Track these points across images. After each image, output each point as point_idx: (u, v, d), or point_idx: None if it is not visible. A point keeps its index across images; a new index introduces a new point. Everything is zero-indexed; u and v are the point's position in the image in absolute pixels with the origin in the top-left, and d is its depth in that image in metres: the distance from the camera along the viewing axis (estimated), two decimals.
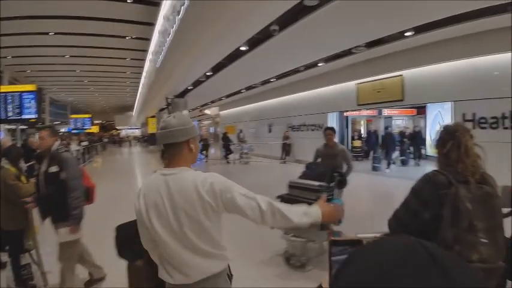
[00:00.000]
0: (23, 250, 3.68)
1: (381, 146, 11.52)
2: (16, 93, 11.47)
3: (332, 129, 4.68)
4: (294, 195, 3.94)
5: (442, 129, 1.69)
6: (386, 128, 12.24)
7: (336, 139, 4.70)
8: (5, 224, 3.44)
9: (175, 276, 1.42)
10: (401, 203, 1.64)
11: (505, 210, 2.21)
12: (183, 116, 1.52)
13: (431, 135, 11.74)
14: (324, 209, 1.50)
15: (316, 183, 3.89)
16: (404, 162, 11.85)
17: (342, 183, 4.20)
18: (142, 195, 1.44)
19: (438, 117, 10.67)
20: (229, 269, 1.57)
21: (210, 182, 1.39)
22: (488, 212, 1.46)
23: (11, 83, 17.43)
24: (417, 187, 1.59)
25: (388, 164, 10.99)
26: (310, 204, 1.51)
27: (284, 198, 3.75)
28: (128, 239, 2.51)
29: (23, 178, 3.51)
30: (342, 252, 0.78)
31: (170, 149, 1.46)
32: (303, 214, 1.44)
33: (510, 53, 6.71)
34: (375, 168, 10.92)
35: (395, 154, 11.76)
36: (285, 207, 1.43)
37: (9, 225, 3.41)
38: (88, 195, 3.25)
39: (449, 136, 1.60)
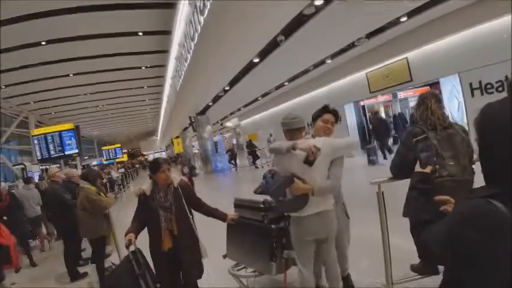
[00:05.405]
0: (105, 255, 4.49)
1: (373, 135, 10.39)
2: (56, 133, 12.96)
3: (334, 112, 2.65)
4: (241, 216, 2.92)
5: (418, 97, 2.41)
6: (375, 113, 10.95)
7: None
8: (89, 233, 4.19)
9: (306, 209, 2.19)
10: (395, 153, 2.37)
11: None
12: (298, 113, 2.35)
13: (451, 113, 9.88)
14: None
15: (263, 199, 2.77)
16: None
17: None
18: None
19: (454, 91, 9.97)
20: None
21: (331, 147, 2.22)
22: (451, 145, 2.17)
23: (37, 127, 18.77)
24: (403, 139, 2.36)
25: (384, 154, 10.01)
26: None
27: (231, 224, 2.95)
28: None
29: (102, 194, 4.32)
30: None
31: (294, 131, 2.28)
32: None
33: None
34: (371, 162, 9.73)
35: (391, 141, 10.94)
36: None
37: (93, 234, 4.15)
38: (7, 257, 2.56)
39: (420, 101, 2.33)
